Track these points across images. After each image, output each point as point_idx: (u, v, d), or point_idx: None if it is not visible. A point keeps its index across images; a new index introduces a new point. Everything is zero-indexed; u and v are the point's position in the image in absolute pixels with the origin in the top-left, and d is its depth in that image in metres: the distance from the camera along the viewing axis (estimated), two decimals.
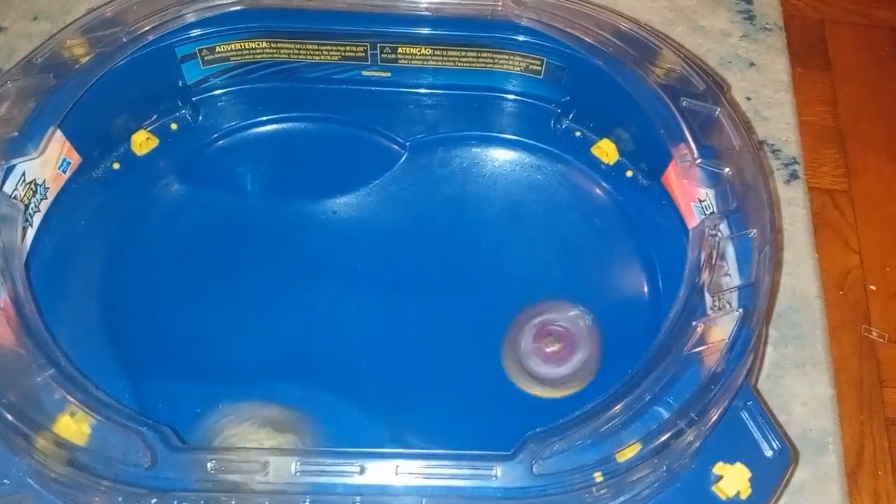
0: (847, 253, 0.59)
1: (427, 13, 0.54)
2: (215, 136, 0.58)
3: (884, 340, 0.55)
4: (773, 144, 0.62)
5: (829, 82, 0.67)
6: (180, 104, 0.58)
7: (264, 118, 0.58)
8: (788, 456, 0.41)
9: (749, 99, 0.64)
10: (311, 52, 0.57)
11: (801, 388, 0.51)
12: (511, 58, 0.57)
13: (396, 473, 0.38)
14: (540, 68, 0.57)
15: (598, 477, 0.39)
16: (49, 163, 0.51)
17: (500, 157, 0.58)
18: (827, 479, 0.48)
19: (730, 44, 0.67)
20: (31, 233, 0.50)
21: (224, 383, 0.48)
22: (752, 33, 0.68)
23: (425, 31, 0.55)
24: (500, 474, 0.38)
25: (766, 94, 0.64)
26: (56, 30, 0.52)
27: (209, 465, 0.38)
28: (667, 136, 0.50)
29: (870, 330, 0.55)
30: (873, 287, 0.57)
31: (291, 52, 0.57)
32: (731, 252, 0.46)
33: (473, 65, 0.57)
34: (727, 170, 0.48)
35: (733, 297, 0.44)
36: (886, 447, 0.51)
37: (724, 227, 0.46)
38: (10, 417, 0.39)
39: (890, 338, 0.55)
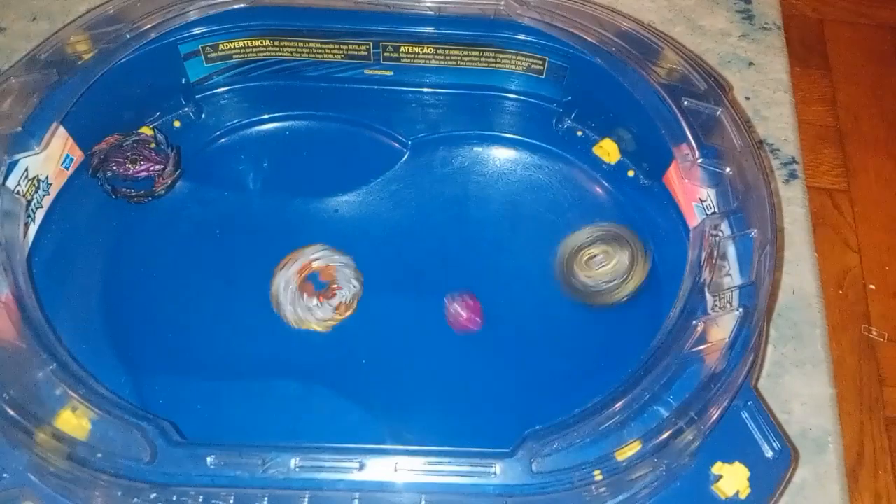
0: (846, 252, 0.59)
1: (430, 12, 0.55)
2: (218, 133, 0.58)
3: (883, 339, 0.55)
4: (772, 144, 0.62)
5: (829, 82, 0.67)
6: (183, 101, 0.58)
7: (267, 116, 0.59)
8: (788, 457, 0.41)
9: (748, 99, 0.64)
10: (314, 51, 0.57)
11: (800, 387, 0.51)
12: (513, 57, 0.57)
13: (396, 470, 0.39)
14: (542, 68, 0.57)
15: (597, 475, 0.39)
16: (52, 159, 0.51)
17: (502, 157, 0.58)
18: (827, 479, 0.48)
19: (729, 43, 0.67)
20: (33, 228, 0.51)
21: (224, 379, 0.48)
22: (751, 33, 0.68)
23: (428, 30, 0.55)
24: (499, 471, 0.38)
25: (766, 94, 0.64)
26: (55, 30, 0.51)
27: (209, 459, 0.38)
28: (668, 136, 0.50)
29: (869, 329, 0.55)
30: (873, 286, 0.57)
31: (294, 50, 0.57)
32: (731, 251, 0.46)
33: (476, 64, 0.58)
34: (728, 170, 0.48)
35: (734, 297, 0.44)
36: (886, 446, 0.51)
37: (724, 226, 0.47)
38: (10, 412, 0.39)
39: (889, 337, 0.55)
